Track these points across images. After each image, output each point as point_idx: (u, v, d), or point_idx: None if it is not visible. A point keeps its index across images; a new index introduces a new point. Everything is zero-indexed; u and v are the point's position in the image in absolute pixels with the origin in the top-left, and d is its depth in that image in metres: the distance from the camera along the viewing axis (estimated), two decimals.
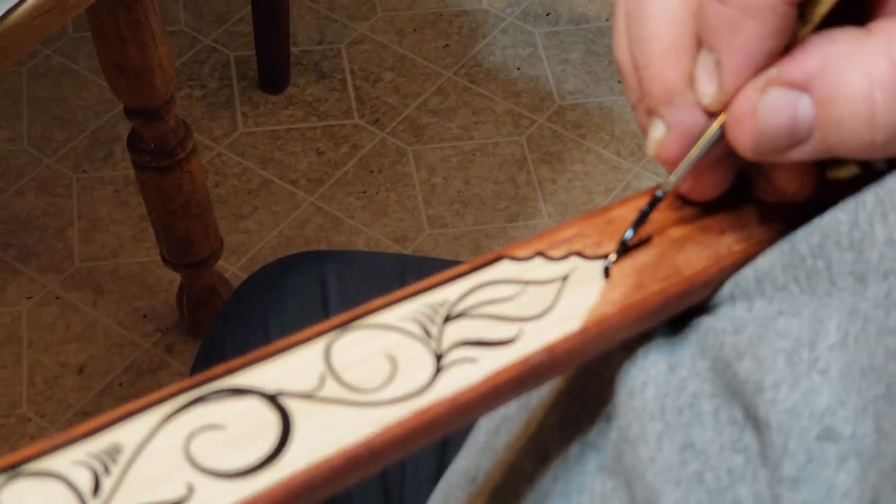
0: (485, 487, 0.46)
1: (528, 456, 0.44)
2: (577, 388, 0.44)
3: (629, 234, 0.39)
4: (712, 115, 0.37)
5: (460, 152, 1.69)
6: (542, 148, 1.70)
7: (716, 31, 0.36)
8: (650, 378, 0.40)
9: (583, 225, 0.40)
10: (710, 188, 0.40)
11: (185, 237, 1.30)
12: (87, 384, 1.44)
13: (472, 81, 1.77)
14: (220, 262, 1.43)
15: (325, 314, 0.75)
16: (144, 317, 1.50)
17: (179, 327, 1.49)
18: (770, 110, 0.35)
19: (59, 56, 1.79)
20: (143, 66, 1.11)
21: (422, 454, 0.69)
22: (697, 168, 0.39)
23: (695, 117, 0.37)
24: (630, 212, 0.41)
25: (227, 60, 1.79)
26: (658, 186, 0.40)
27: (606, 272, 0.39)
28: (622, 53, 0.40)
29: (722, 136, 0.37)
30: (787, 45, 0.36)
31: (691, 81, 0.37)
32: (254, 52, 1.74)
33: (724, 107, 0.37)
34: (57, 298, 1.51)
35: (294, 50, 1.79)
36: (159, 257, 1.39)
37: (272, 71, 1.74)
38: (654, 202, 0.40)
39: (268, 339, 0.75)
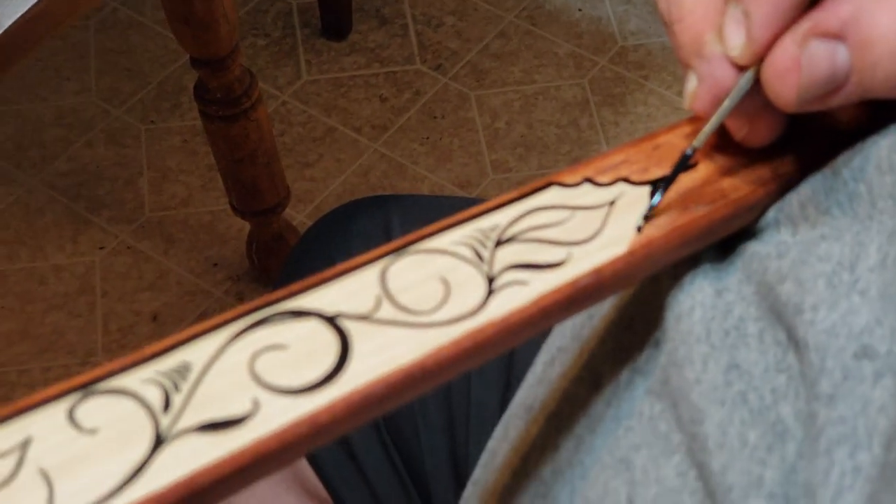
0: (540, 415, 0.47)
1: (583, 383, 0.45)
2: (628, 317, 0.45)
3: (657, 199, 0.39)
4: (742, 67, 0.38)
5: (523, 96, 1.69)
6: (605, 90, 1.70)
7: None
8: (697, 302, 0.40)
9: (630, 151, 0.41)
10: (765, 133, 0.40)
11: (252, 186, 1.32)
12: (160, 331, 1.47)
13: (533, 24, 1.77)
14: (288, 209, 1.45)
15: None
16: (215, 265, 1.53)
17: (249, 275, 1.51)
18: (813, 62, 0.36)
19: (126, 9, 1.81)
20: (208, 17, 1.12)
21: (486, 393, 0.70)
22: (751, 114, 0.39)
23: (724, 70, 0.38)
24: (676, 138, 0.41)
25: (289, 9, 1.80)
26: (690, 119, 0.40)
27: (639, 230, 0.39)
28: (663, 4, 0.41)
29: (758, 85, 0.37)
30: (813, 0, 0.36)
31: (721, 34, 0.38)
32: None
33: (754, 59, 0.37)
34: (129, 248, 1.54)
35: None
36: (228, 206, 1.41)
37: (334, 18, 1.74)
38: (684, 160, 0.40)
39: None
